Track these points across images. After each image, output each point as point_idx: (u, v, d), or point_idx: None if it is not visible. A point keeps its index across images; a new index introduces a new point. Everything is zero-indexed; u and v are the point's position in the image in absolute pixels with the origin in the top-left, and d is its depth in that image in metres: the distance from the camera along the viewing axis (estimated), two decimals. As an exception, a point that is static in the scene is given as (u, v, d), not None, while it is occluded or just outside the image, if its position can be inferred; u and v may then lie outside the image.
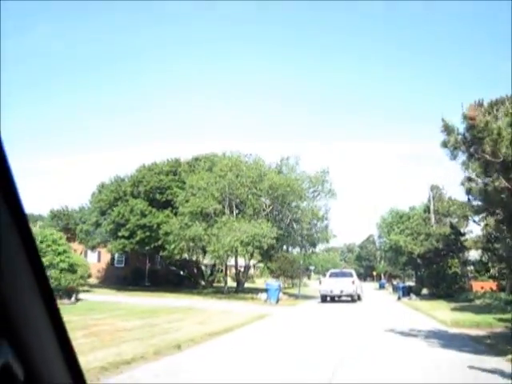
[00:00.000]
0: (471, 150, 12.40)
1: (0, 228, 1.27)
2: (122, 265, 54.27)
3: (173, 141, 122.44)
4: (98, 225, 42.66)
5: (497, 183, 12.85)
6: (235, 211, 38.13)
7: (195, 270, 48.51)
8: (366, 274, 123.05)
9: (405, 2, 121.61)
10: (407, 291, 45.40)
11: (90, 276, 37.71)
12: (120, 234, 39.31)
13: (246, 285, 49.87)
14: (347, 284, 36.58)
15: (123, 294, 36.77)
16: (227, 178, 36.80)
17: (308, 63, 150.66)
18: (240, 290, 41.08)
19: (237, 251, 34.59)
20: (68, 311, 19.72)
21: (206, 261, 48.45)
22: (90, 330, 15.53)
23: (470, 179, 15.90)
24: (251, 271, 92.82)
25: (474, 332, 18.23)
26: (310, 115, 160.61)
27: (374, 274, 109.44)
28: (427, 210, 54.54)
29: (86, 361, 9.45)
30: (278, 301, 34.58)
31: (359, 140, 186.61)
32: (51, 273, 26.26)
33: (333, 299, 36.96)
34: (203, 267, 53.84)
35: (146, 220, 38.44)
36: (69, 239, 48.36)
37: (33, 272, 1.42)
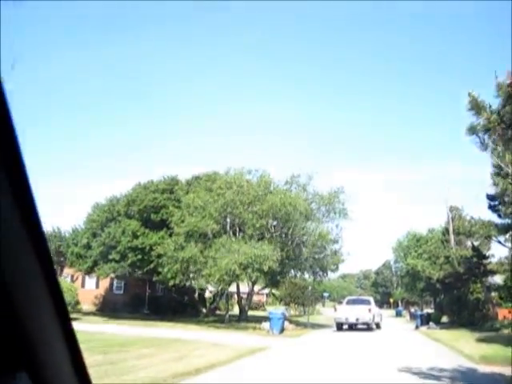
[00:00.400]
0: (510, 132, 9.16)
1: (19, 252, 1.31)
2: (121, 291, 51.31)
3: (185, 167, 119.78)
4: (89, 247, 39.67)
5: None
6: (235, 232, 34.94)
7: (197, 297, 45.23)
8: (382, 301, 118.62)
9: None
10: (426, 319, 41.91)
11: (78, 303, 34.70)
12: (111, 256, 36.31)
13: (252, 313, 46.53)
14: (363, 312, 35.13)
15: (114, 322, 33.64)
16: (226, 196, 33.74)
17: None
18: (243, 319, 37.66)
19: (236, 275, 31.20)
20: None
21: (211, 287, 45.36)
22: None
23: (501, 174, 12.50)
24: (262, 299, 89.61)
25: (508, 370, 14.78)
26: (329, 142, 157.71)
27: (391, 300, 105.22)
28: (446, 232, 51.36)
29: None
30: (282, 331, 31.25)
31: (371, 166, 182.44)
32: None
33: (351, 327, 35.57)
34: (208, 293, 50.74)
35: (137, 242, 35.41)
36: (61, 263, 46.05)
37: (53, 301, 1.44)
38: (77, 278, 49.35)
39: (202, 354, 17.77)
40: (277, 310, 33.70)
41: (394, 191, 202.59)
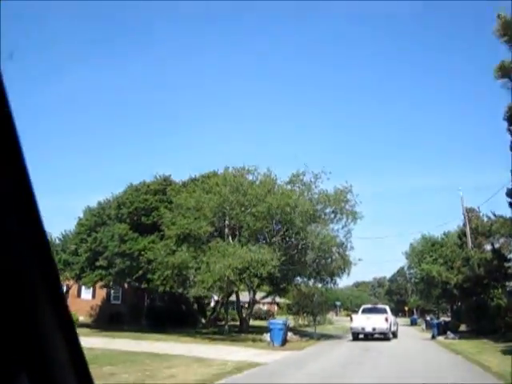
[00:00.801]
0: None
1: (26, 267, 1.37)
2: (119, 301, 48.63)
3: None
4: (76, 254, 36.83)
5: None
6: (231, 234, 32.00)
7: (196, 307, 42.29)
8: (397, 309, 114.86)
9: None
10: (443, 328, 38.63)
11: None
12: (98, 263, 33.47)
13: (260, 323, 43.59)
14: (380, 321, 34.18)
15: (103, 334, 30.89)
16: (223, 195, 30.85)
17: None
18: (244, 330, 34.69)
19: (230, 282, 28.17)
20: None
21: (216, 296, 42.38)
22: None
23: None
24: (272, 308, 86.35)
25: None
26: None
27: (406, 309, 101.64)
28: (462, 235, 48.12)
29: None
30: (284, 343, 28.29)
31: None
32: None
33: (365, 337, 34.49)
34: (213, 303, 47.76)
35: (125, 246, 32.52)
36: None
37: (53, 303, 1.48)
38: (70, 287, 46.66)
39: (175, 372, 14.91)
40: (278, 319, 30.71)
41: (408, 197, 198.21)
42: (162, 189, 35.55)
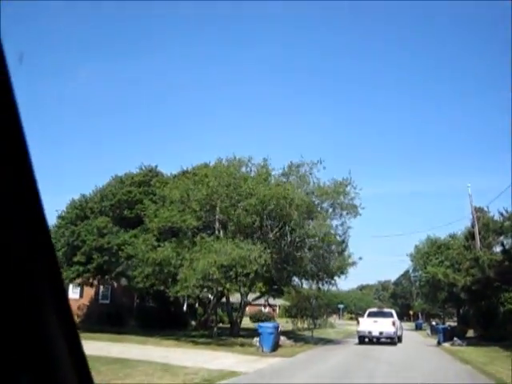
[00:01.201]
0: None
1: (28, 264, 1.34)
2: (107, 301, 46.15)
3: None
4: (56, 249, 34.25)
5: None
6: (219, 229, 29.43)
7: (185, 308, 39.81)
8: (401, 313, 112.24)
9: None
10: (449, 334, 35.95)
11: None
12: (75, 258, 30.96)
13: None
14: (387, 325, 33.84)
15: (82, 337, 28.32)
16: (211, 187, 28.34)
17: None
18: (235, 333, 32.14)
19: (216, 280, 25.50)
20: None
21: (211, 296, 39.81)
22: None
23: None
24: (273, 310, 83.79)
25: None
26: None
27: (411, 313, 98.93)
28: (470, 236, 45.62)
29: None
30: (275, 348, 25.79)
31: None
32: None
33: (370, 340, 34.37)
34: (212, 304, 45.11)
35: (103, 241, 30.08)
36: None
37: (56, 304, 1.47)
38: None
39: (127, 385, 12.43)
40: (268, 322, 28.24)
41: (413, 200, 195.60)
42: (148, 180, 33.10)
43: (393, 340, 33.51)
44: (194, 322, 38.49)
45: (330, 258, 33.69)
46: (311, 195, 33.06)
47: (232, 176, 29.23)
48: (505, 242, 33.22)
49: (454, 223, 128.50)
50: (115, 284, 43.55)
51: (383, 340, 33.89)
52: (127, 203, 31.79)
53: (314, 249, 32.21)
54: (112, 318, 41.16)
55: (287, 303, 69.82)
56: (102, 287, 45.76)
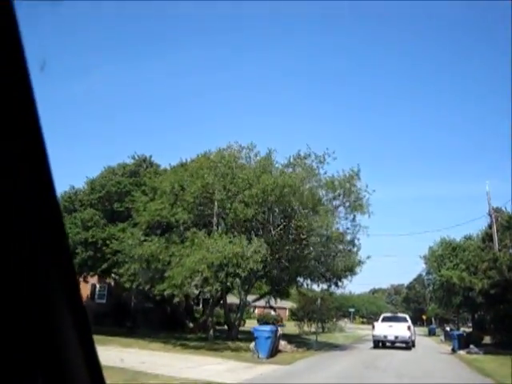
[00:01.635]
0: None
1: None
2: (104, 300, 44.01)
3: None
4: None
5: None
6: (213, 224, 26.99)
7: (183, 308, 37.48)
8: (414, 318, 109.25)
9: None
10: (464, 340, 33.34)
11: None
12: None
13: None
14: (402, 329, 34.17)
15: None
16: (206, 179, 25.99)
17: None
18: (233, 337, 29.75)
19: (205, 279, 23.05)
20: None
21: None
22: None
23: None
24: (282, 313, 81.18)
25: None
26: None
27: (424, 317, 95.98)
28: (487, 238, 43.11)
29: None
30: (273, 353, 23.43)
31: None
32: None
33: (383, 344, 34.55)
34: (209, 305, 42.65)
35: (88, 234, 27.88)
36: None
37: (71, 307, 1.45)
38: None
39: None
40: (265, 325, 25.86)
41: (426, 203, 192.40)
42: (140, 171, 30.83)
43: (408, 344, 33.81)
44: (191, 324, 36.11)
45: (335, 257, 31.15)
46: (319, 189, 30.69)
47: (228, 166, 26.85)
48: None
49: (468, 223, 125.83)
50: (112, 283, 41.49)
51: (398, 344, 33.92)
52: (117, 195, 29.60)
53: (318, 246, 29.69)
54: (107, 319, 39.15)
55: (295, 305, 67.43)
56: (98, 286, 43.79)
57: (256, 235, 26.23)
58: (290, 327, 54.78)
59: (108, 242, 27.27)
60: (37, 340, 1.33)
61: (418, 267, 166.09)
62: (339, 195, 30.89)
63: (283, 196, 25.93)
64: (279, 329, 27.00)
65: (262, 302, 51.24)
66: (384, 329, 34.48)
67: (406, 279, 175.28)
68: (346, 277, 34.54)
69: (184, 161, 34.35)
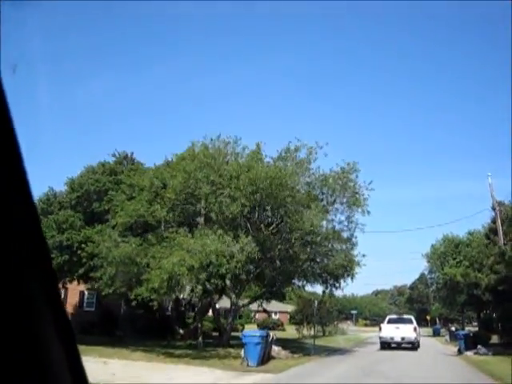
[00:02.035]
0: None
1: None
2: (93, 308, 42.26)
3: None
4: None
5: None
6: (196, 222, 25.04)
7: (174, 314, 35.45)
8: (418, 319, 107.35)
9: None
10: (471, 341, 31.43)
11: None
12: (33, 260, 26.69)
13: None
14: (408, 331, 35.23)
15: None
16: (188, 172, 24.06)
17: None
18: (224, 343, 27.75)
19: (180, 282, 21.02)
20: None
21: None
22: None
23: None
24: (283, 317, 79.06)
25: None
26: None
27: (428, 318, 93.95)
28: (491, 232, 41.27)
29: None
30: (264, 360, 21.52)
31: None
32: None
33: (389, 346, 35.15)
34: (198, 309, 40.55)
35: (62, 237, 25.92)
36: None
37: (53, 316, 1.42)
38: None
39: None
40: (255, 330, 23.89)
41: (428, 204, 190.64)
42: (121, 169, 28.85)
43: (414, 345, 34.57)
44: (182, 331, 34.08)
45: (331, 256, 29.21)
46: (312, 185, 28.83)
47: (212, 157, 24.92)
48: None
49: (470, 217, 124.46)
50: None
51: (403, 345, 34.54)
52: (96, 194, 27.63)
53: (312, 245, 27.78)
54: (96, 328, 37.29)
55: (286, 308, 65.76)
56: (86, 294, 41.97)
57: (245, 233, 24.33)
58: (291, 331, 52.90)
59: (84, 245, 25.29)
60: (18, 351, 1.28)
61: (421, 267, 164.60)
62: (334, 190, 29.04)
63: (272, 189, 23.99)
64: (272, 333, 25.03)
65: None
66: (391, 330, 35.39)
67: (408, 279, 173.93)
68: (343, 277, 32.53)
69: (170, 160, 32.42)
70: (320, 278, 32.61)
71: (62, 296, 42.99)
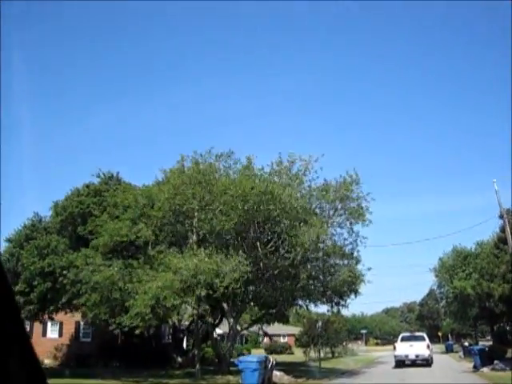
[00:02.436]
0: None
1: None
2: (89, 339, 40.62)
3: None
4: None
5: None
6: (182, 241, 23.47)
7: (172, 341, 33.75)
8: (430, 335, 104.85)
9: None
10: (486, 356, 29.68)
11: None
12: (18, 287, 25.01)
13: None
14: (422, 348, 35.56)
15: None
16: (176, 189, 22.60)
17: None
18: (223, 371, 25.97)
19: (169, 307, 19.38)
20: None
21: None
22: None
23: None
24: (290, 340, 76.82)
25: None
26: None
27: (440, 334, 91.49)
28: (500, 241, 39.68)
29: None
30: (262, 387, 19.82)
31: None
32: None
33: (403, 363, 35.26)
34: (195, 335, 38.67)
35: (44, 263, 24.38)
36: None
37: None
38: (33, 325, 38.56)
39: None
40: (252, 355, 22.18)
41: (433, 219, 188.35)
42: (106, 190, 27.39)
43: (428, 362, 35.05)
44: (180, 359, 32.30)
45: (332, 273, 27.63)
46: (309, 197, 27.38)
47: (202, 174, 23.49)
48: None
49: (475, 226, 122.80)
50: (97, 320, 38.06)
51: (419, 362, 34.96)
52: (80, 217, 26.17)
53: (312, 262, 26.26)
54: (94, 358, 35.61)
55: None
56: (82, 324, 40.32)
57: (239, 252, 22.76)
58: (299, 354, 51.06)
59: (66, 271, 23.72)
60: None
61: (429, 282, 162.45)
62: (334, 203, 27.58)
63: (263, 205, 22.49)
64: (272, 358, 23.32)
65: (271, 330, 46.83)
66: (405, 348, 35.75)
67: (418, 295, 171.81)
68: (348, 295, 30.91)
69: (160, 179, 30.96)
70: (323, 297, 31.02)
71: (57, 327, 41.54)
